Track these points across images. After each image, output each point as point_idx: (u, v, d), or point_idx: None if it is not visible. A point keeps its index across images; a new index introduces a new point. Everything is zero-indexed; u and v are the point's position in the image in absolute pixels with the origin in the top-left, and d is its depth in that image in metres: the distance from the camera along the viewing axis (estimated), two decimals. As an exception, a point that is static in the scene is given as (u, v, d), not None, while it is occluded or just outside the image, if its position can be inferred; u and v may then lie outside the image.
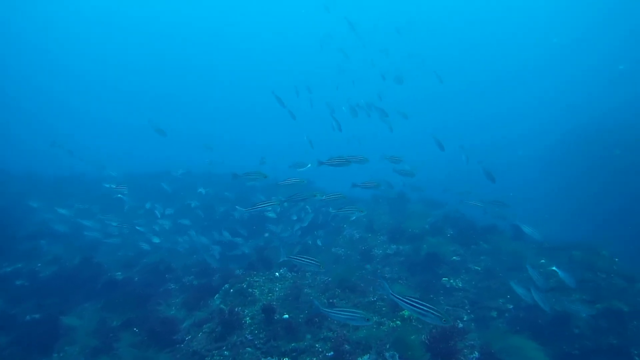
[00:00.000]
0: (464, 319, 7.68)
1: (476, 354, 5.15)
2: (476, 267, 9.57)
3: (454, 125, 50.26)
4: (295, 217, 14.51)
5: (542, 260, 9.88)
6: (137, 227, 12.86)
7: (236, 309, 6.22)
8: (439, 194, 15.44)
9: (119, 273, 10.99)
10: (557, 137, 26.97)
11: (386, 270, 9.96)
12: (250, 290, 6.83)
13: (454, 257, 10.06)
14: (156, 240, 12.38)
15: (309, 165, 11.38)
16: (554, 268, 8.36)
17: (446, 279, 8.95)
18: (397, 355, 4.87)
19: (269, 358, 5.18)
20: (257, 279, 7.41)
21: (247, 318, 5.99)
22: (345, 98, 14.74)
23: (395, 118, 13.78)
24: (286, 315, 5.98)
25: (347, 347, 5.22)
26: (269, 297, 6.71)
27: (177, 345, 6.18)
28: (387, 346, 5.13)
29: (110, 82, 64.18)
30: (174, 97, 65.91)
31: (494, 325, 7.59)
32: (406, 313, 6.06)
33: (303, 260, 5.95)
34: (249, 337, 5.57)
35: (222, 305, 6.39)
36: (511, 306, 8.10)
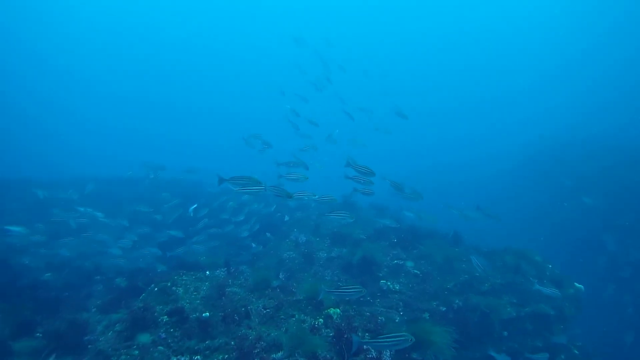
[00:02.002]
0: (396, 320, 7.69)
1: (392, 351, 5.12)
2: (415, 271, 9.68)
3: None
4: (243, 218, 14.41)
5: (479, 265, 10.15)
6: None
7: (157, 308, 5.92)
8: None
9: (48, 274, 10.25)
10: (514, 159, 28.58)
11: (327, 272, 9.89)
12: (174, 288, 6.51)
13: (395, 261, 10.14)
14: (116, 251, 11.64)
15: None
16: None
17: (384, 281, 8.99)
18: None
19: (179, 356, 4.91)
20: (185, 278, 7.09)
21: (165, 316, 5.68)
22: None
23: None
24: (206, 314, 5.72)
25: (262, 344, 5.05)
26: (193, 296, 6.42)
27: (89, 346, 5.75)
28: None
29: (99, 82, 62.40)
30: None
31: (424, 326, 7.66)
32: (331, 311, 5.98)
33: (345, 292, 5.84)
34: (163, 335, 5.27)
35: (140, 305, 6.03)
36: (444, 308, 8.21)
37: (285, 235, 13.20)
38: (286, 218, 15.23)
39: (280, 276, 10.52)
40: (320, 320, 5.68)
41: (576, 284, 10.18)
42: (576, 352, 9.51)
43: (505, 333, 8.02)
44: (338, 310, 6.01)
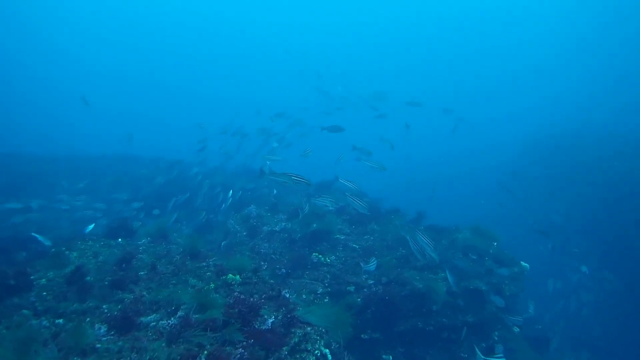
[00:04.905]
0: (318, 292, 7.37)
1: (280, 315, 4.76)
2: (354, 245, 9.33)
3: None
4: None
5: (425, 241, 9.81)
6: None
7: (41, 272, 5.53)
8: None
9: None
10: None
11: (264, 245, 9.51)
12: (67, 252, 6.12)
13: (338, 236, 9.79)
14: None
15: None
16: None
17: (316, 254, 8.61)
18: (190, 314, 4.36)
19: (41, 319, 4.51)
20: (90, 243, 6.70)
21: (44, 280, 5.28)
22: None
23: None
24: (89, 278, 5.32)
25: (139, 306, 4.67)
26: (87, 260, 6.01)
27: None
28: (184, 306, 4.64)
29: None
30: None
31: (348, 299, 7.34)
32: (229, 277, 5.61)
33: None
34: (33, 299, 4.87)
35: (28, 269, 5.61)
36: (372, 282, 7.88)
37: (238, 209, 12.84)
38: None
39: (222, 246, 10.22)
40: (212, 285, 5.31)
41: (522, 263, 9.91)
42: (517, 330, 9.32)
43: (435, 307, 7.71)
44: (238, 277, 5.64)
